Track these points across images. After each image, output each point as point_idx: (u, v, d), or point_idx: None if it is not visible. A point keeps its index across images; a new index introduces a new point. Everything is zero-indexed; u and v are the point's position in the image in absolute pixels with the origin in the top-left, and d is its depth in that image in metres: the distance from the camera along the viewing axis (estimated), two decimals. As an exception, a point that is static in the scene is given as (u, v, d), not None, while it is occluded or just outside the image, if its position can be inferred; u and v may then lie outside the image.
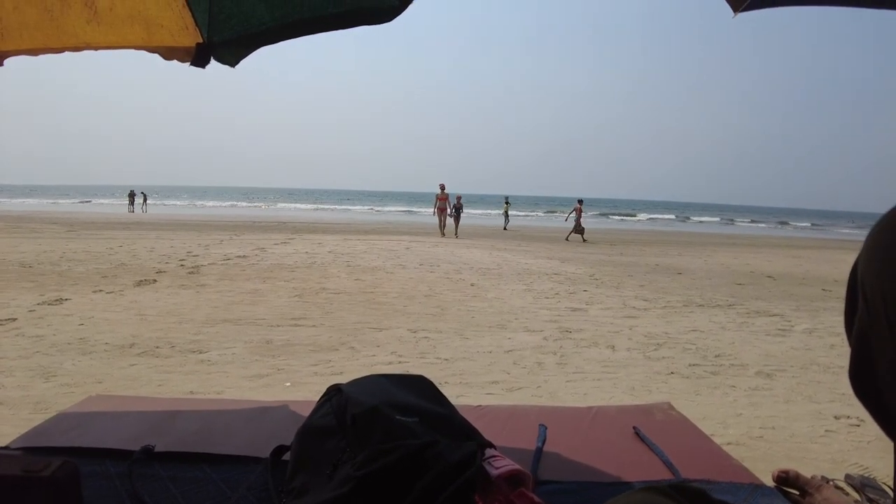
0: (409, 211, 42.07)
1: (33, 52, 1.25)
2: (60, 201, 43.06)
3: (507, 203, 22.01)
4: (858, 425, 2.98)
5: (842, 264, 12.30)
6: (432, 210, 17.52)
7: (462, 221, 18.06)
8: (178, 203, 45.34)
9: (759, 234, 28.23)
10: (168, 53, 1.26)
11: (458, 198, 17.64)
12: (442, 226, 17.17)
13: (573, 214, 16.80)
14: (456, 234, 17.16)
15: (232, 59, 1.27)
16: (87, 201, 43.93)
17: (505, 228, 21.15)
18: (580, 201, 16.98)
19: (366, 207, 48.38)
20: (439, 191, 17.31)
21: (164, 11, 1.19)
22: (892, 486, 0.45)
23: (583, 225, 16.62)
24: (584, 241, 16.21)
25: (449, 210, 17.16)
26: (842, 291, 0.37)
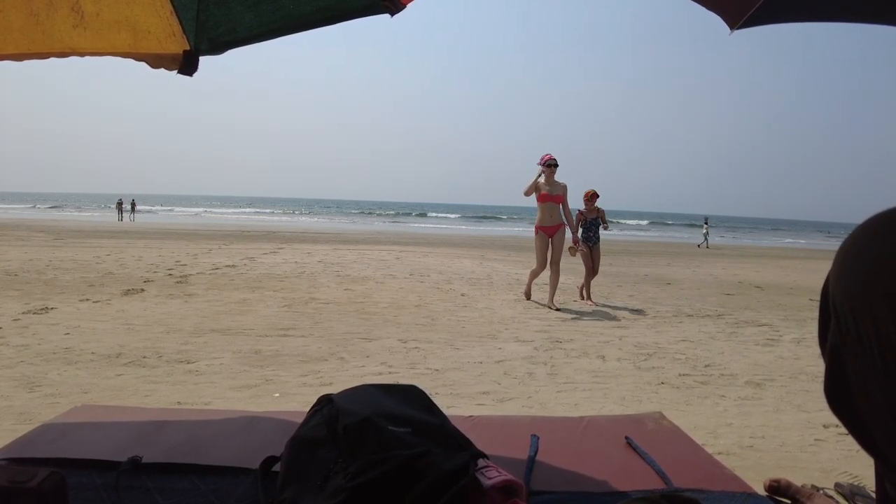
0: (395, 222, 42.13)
1: (17, 57, 1.24)
2: (50, 211, 42.59)
3: (706, 224, 25.93)
4: (847, 434, 2.98)
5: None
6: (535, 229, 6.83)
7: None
8: (168, 211, 45.04)
9: (745, 245, 28.53)
10: (155, 62, 1.26)
11: (591, 197, 7.33)
12: (543, 260, 6.74)
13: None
14: (588, 294, 7.14)
15: (217, 52, 1.28)
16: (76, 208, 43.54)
17: (703, 246, 23.37)
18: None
19: (353, 218, 48.37)
20: (541, 177, 6.66)
21: (152, 18, 1.18)
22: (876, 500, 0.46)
23: None
24: None
25: (578, 233, 7.24)
26: None
